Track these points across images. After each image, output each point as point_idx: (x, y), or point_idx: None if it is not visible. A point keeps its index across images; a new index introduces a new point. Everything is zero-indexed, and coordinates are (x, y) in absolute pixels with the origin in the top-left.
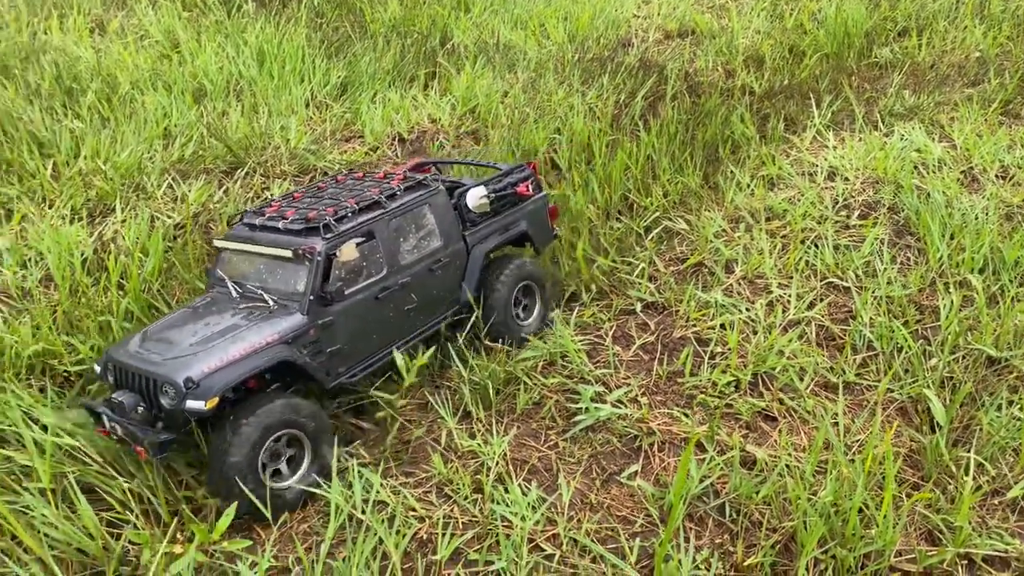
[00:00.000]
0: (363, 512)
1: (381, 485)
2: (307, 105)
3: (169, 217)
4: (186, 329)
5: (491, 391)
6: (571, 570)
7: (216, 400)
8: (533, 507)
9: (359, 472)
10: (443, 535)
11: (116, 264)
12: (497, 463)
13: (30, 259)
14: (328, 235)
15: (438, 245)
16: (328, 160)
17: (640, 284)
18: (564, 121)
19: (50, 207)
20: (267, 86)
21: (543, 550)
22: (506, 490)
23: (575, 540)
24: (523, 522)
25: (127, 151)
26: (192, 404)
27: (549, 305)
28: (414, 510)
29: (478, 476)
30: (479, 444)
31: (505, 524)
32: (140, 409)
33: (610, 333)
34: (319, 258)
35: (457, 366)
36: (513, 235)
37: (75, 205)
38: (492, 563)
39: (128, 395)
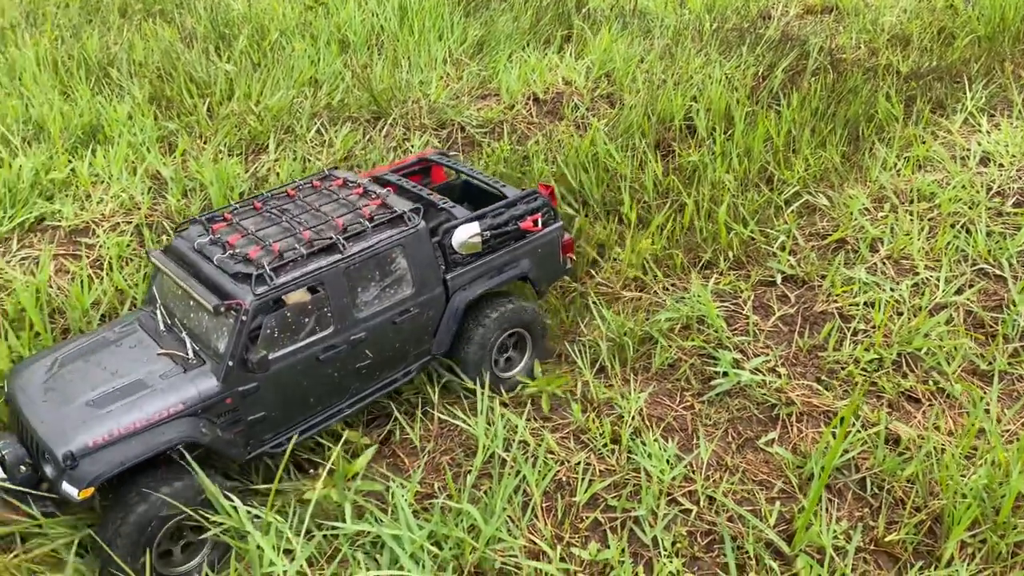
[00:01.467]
0: (506, 450)
1: (524, 428)
2: (444, 62)
3: (318, 159)
4: (91, 374)
5: (630, 348)
6: (708, 526)
7: (91, 491)
8: (669, 462)
9: (501, 413)
10: (582, 480)
11: None
12: (634, 417)
13: (191, 189)
14: (260, 289)
15: (408, 293)
16: (466, 116)
17: (780, 256)
18: (701, 90)
19: (206, 143)
20: (407, 41)
21: (680, 504)
22: (643, 443)
23: (712, 498)
24: (662, 475)
25: (278, 95)
26: (66, 487)
27: (541, 353)
28: (552, 453)
29: (616, 428)
30: (617, 397)
31: (641, 475)
32: (23, 469)
33: (748, 302)
34: (244, 318)
35: (597, 320)
36: (508, 278)
37: (229, 142)
38: (632, 510)
39: (13, 446)
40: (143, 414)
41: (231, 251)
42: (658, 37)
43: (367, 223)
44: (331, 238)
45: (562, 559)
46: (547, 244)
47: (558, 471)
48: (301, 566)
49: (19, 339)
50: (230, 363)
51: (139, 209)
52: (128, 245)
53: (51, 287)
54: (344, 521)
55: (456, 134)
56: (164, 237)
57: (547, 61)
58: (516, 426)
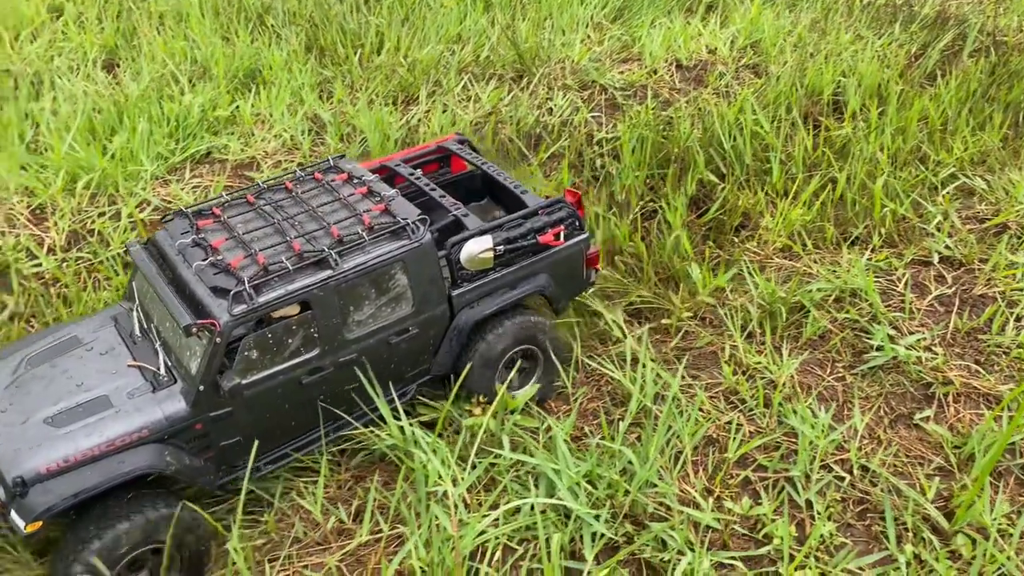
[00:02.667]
0: (653, 403)
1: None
2: (585, 25)
3: (465, 113)
4: (55, 384)
5: (781, 315)
6: (860, 495)
7: (39, 525)
8: (823, 429)
9: (653, 368)
10: (733, 438)
11: None
12: (784, 383)
13: (347, 134)
14: (238, 309)
15: (407, 312)
16: (608, 78)
17: (937, 236)
18: (852, 66)
19: (358, 91)
20: (550, 3)
21: (832, 471)
22: (794, 410)
23: (865, 468)
24: (817, 440)
25: (427, 49)
26: (14, 516)
27: (554, 372)
28: (702, 410)
29: (766, 392)
30: (768, 362)
31: (793, 440)
32: None
33: (903, 280)
34: (218, 340)
35: (749, 286)
36: (522, 294)
37: (381, 92)
38: (786, 471)
39: None
40: (103, 439)
41: (212, 257)
42: (805, 10)
43: (366, 234)
44: (322, 251)
45: (713, 510)
46: (569, 258)
47: (709, 428)
48: (462, 491)
49: None
50: (201, 387)
51: (299, 149)
52: None
53: None
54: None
55: (598, 96)
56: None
57: (691, 29)
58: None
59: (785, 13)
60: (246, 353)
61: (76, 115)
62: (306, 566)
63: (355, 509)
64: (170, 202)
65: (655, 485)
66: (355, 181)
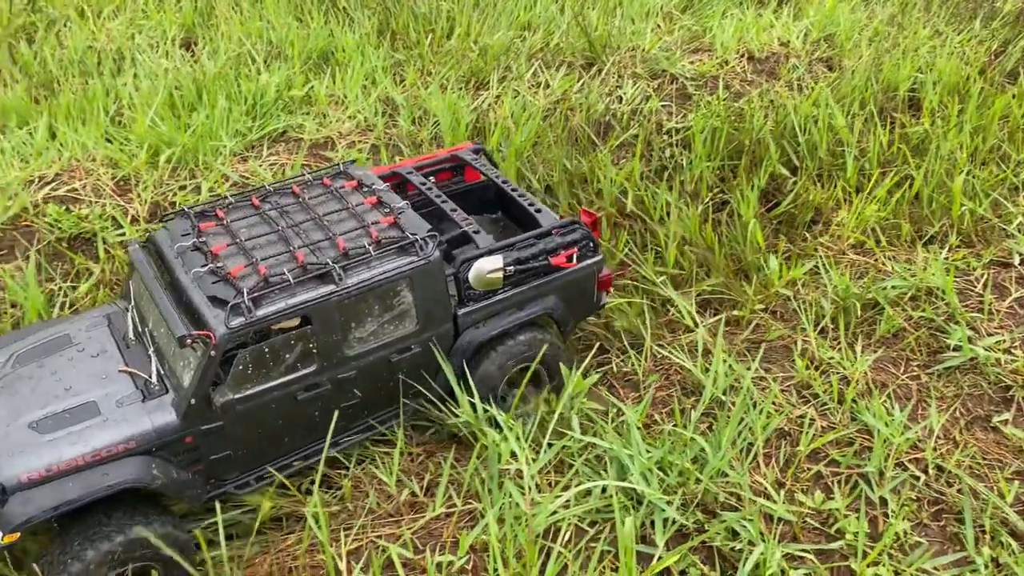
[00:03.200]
0: (724, 393)
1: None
2: (656, 14)
3: (535, 99)
4: (43, 385)
5: (855, 311)
6: (935, 495)
7: (16, 536)
8: (898, 428)
9: (724, 359)
10: (806, 432)
11: (495, 131)
12: (858, 380)
13: (419, 117)
14: (235, 322)
15: (410, 330)
16: (679, 67)
17: (1018, 237)
18: (929, 62)
19: (429, 76)
20: None
21: (906, 469)
22: (867, 407)
23: (941, 469)
24: (891, 438)
25: (498, 34)
26: None
27: (559, 391)
28: (775, 403)
29: (839, 388)
30: (841, 358)
31: (866, 436)
32: None
33: (982, 280)
34: (212, 353)
35: (821, 281)
36: (529, 316)
37: (451, 77)
38: (858, 467)
39: None
40: (88, 449)
41: (212, 264)
42: (882, 4)
43: (372, 248)
44: (326, 265)
45: (784, 503)
46: (581, 280)
47: (780, 421)
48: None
49: None
50: (192, 401)
51: (372, 130)
52: (367, 161)
53: None
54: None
55: (668, 85)
56: (397, 157)
57: (763, 20)
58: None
59: (861, 7)
60: (241, 367)
61: (157, 91)
62: (379, 536)
63: (426, 483)
64: (248, 178)
65: (726, 475)
66: (365, 189)
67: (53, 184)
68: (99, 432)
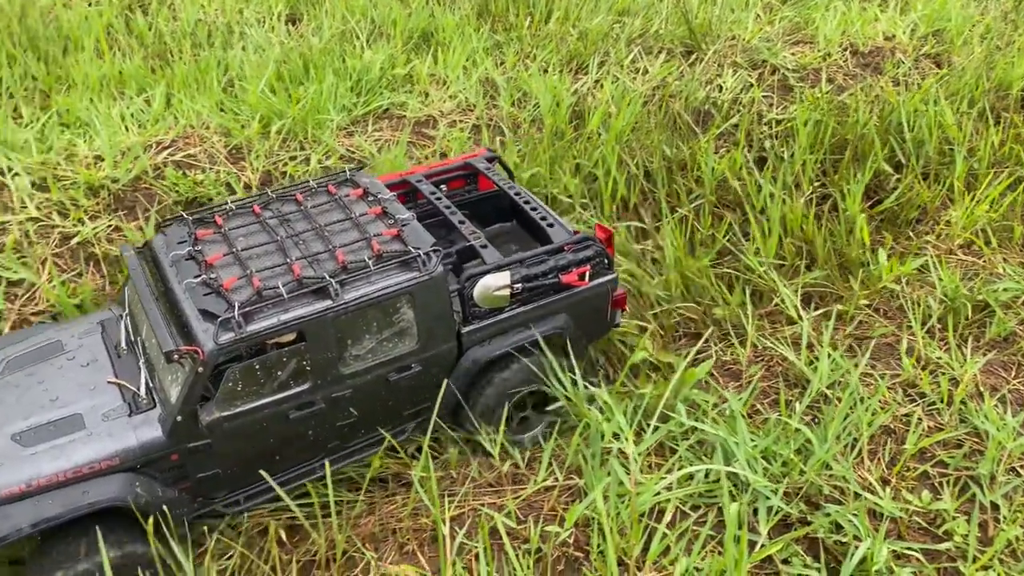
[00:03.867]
0: (830, 388)
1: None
2: (756, 4)
3: (633, 85)
4: (30, 395)
5: (966, 312)
6: None
7: None
8: (1010, 433)
9: (828, 352)
10: (913, 431)
11: (595, 115)
12: (968, 381)
13: (519, 99)
14: (224, 338)
15: (410, 348)
16: (780, 58)
17: None
18: None
19: (528, 58)
20: None
21: (1019, 475)
22: (977, 410)
23: None
24: (1004, 442)
25: (597, 19)
26: None
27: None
28: (884, 401)
29: (948, 389)
30: (949, 359)
31: (976, 439)
32: None
33: None
34: (200, 369)
35: (929, 279)
36: (535, 336)
37: (550, 60)
38: (968, 470)
39: None
40: (69, 464)
41: (206, 274)
42: (995, 1)
43: (372, 262)
44: (323, 279)
45: (891, 500)
46: (593, 299)
47: (886, 419)
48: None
49: None
50: (178, 418)
51: (472, 110)
52: (468, 140)
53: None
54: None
55: (768, 76)
56: (499, 139)
57: (868, 13)
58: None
59: (972, 3)
60: (230, 384)
61: (266, 64)
62: (482, 504)
63: (527, 457)
64: (354, 152)
65: (830, 468)
66: (370, 199)
67: (170, 149)
68: (82, 447)
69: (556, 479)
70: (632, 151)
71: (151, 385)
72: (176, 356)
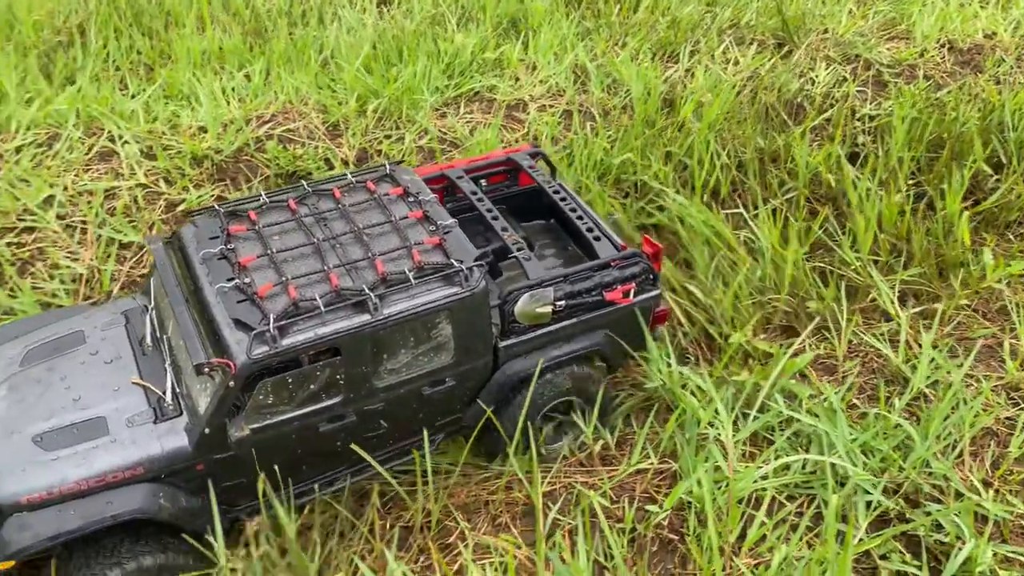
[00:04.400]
0: (929, 387)
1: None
2: None
3: (725, 75)
4: (51, 392)
5: None
6: None
7: (9, 564)
8: None
9: (931, 355)
10: (1017, 435)
11: (687, 103)
12: None
13: (608, 86)
14: (258, 352)
15: (446, 362)
16: (875, 53)
17: None
18: None
19: (617, 45)
20: None
21: None
22: None
23: None
24: None
25: (688, 7)
26: None
27: (606, 420)
28: (987, 403)
29: None
30: None
31: None
32: None
33: None
34: (231, 384)
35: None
36: (575, 352)
37: (640, 48)
38: None
39: None
40: (92, 472)
41: (240, 279)
42: None
43: (413, 274)
44: (362, 292)
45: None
46: (634, 316)
47: (989, 421)
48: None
49: None
50: (206, 430)
51: (563, 95)
52: (558, 125)
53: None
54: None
55: (862, 71)
56: (590, 124)
57: (967, 10)
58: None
59: None
60: (260, 396)
61: (360, 44)
62: (574, 482)
63: (616, 439)
64: (446, 133)
65: (930, 466)
66: (411, 200)
67: (270, 124)
68: (105, 454)
69: (651, 462)
70: (724, 140)
71: (177, 390)
72: (207, 369)
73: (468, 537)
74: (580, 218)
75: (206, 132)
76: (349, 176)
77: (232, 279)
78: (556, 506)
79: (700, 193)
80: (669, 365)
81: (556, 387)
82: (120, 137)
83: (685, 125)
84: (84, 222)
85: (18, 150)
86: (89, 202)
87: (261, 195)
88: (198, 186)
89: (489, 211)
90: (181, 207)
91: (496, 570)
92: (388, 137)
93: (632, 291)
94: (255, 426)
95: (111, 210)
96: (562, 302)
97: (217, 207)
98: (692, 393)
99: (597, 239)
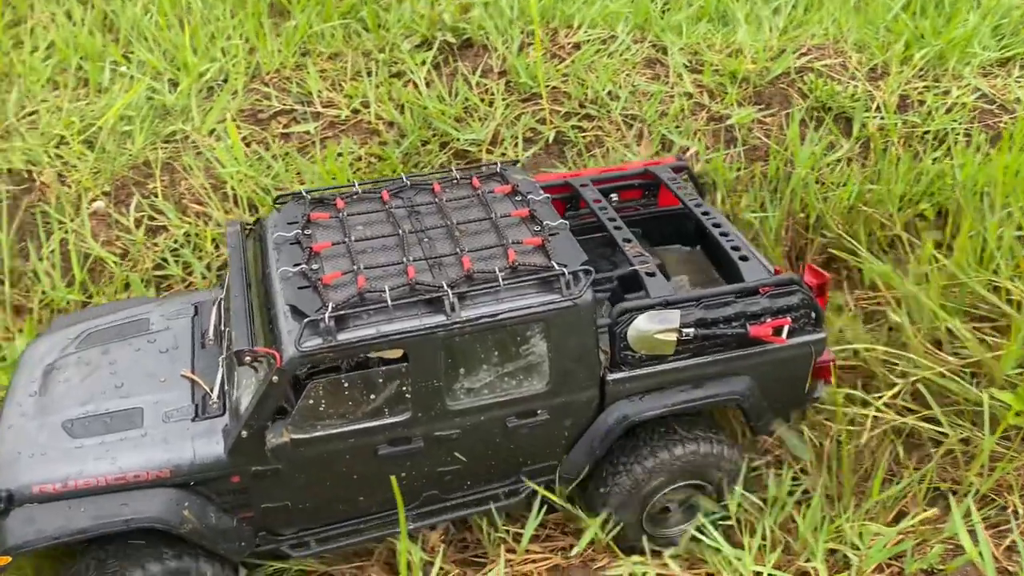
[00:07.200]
0: None
1: None
2: None
3: None
4: (96, 376)
5: None
6: None
7: (7, 560)
8: None
9: None
10: None
11: None
12: None
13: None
14: (308, 344)
15: (538, 390)
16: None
17: None
18: None
19: None
20: None
21: None
22: None
23: None
24: None
25: None
26: None
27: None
28: None
29: None
30: None
31: None
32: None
33: None
34: (275, 379)
35: None
36: (707, 401)
37: None
38: None
39: None
40: (114, 468)
41: (308, 263)
42: None
43: (504, 274)
44: (440, 287)
45: None
46: (788, 362)
47: None
48: None
49: None
50: (243, 433)
51: None
52: None
53: None
54: None
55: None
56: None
57: None
58: None
59: None
60: (311, 401)
61: None
62: None
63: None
64: (993, 95)
65: None
66: (518, 199)
67: (808, 57)
68: (132, 450)
69: None
70: None
71: (226, 388)
72: (248, 358)
73: None
74: (726, 235)
75: (742, 54)
76: (455, 172)
77: (298, 264)
78: None
79: None
80: None
81: (675, 465)
82: (665, 49)
83: None
84: (634, 118)
85: (577, 46)
86: (639, 103)
87: (354, 184)
88: (740, 104)
89: (612, 220)
90: (729, 122)
91: None
92: (928, 88)
93: (786, 329)
94: (299, 436)
95: (662, 113)
96: (691, 330)
97: (304, 192)
98: None
99: (744, 259)
